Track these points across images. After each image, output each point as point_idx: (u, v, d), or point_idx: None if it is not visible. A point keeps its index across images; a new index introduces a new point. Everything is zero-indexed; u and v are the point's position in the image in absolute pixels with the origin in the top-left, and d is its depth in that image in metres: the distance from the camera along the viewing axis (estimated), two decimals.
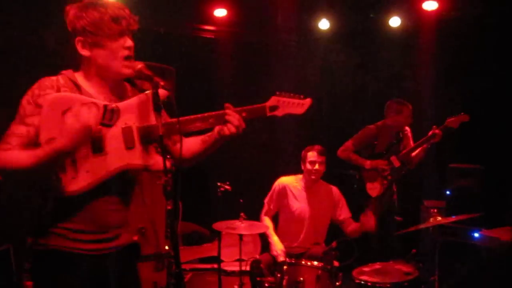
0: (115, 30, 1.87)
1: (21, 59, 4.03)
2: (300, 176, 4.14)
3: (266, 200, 4.17)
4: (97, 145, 1.84)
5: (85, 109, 1.81)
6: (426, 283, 3.86)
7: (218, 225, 3.74)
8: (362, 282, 3.42)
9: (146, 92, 1.94)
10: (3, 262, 3.56)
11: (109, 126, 1.86)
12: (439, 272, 3.82)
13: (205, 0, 5.34)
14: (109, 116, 1.85)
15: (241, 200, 3.77)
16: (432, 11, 5.13)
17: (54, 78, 1.90)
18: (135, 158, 1.88)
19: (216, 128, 2.01)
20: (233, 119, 1.97)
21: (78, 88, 1.90)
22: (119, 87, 2.01)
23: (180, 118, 1.92)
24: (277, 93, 2.09)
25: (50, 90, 1.85)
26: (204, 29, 5.71)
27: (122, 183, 1.94)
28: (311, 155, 4.00)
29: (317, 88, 6.10)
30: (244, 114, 2.01)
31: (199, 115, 1.97)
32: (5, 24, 3.95)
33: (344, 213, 4.11)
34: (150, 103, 1.90)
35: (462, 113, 4.37)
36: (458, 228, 4.31)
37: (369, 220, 3.78)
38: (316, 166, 3.97)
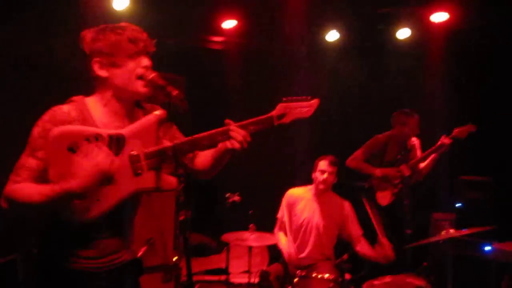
0: (133, 50, 1.88)
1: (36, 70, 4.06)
2: (310, 187, 4.11)
3: (278, 215, 4.13)
4: (106, 178, 1.82)
5: (95, 148, 1.79)
6: None
7: (227, 237, 3.71)
8: None
9: (149, 115, 1.95)
10: (10, 272, 3.54)
11: (116, 155, 1.84)
12: (450, 285, 3.76)
13: (214, 11, 5.36)
14: (115, 146, 1.85)
15: (250, 211, 3.74)
16: (441, 23, 5.11)
17: (65, 109, 1.88)
18: (145, 182, 1.88)
19: (219, 145, 2.00)
20: (237, 135, 1.95)
21: (90, 119, 1.90)
22: (133, 112, 2.01)
23: (186, 139, 1.95)
24: (284, 99, 2.06)
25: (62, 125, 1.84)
26: (213, 41, 5.73)
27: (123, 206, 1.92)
28: (322, 164, 3.97)
29: (325, 99, 6.06)
30: (250, 128, 1.98)
31: (206, 134, 1.96)
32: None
33: (354, 230, 4.03)
34: (154, 125, 1.91)
35: (469, 123, 4.35)
36: (469, 242, 4.25)
37: (386, 250, 3.68)
38: (325, 176, 3.94)
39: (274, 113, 2.04)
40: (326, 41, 5.72)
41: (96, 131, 1.84)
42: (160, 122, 1.92)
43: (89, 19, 4.45)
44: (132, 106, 2.00)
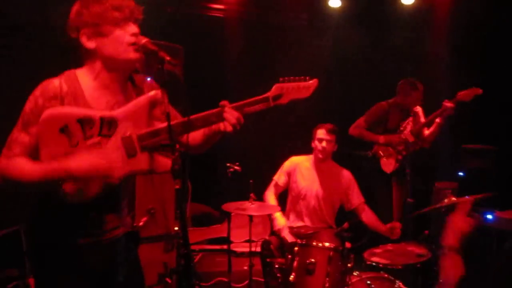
0: (118, 18, 1.84)
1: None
2: (311, 156, 4.09)
3: (275, 176, 4.12)
4: None
5: (113, 146, 1.81)
6: (439, 265, 3.81)
7: (228, 206, 3.71)
8: (374, 264, 3.39)
9: (142, 95, 1.92)
10: (14, 242, 3.57)
11: (108, 137, 1.82)
12: None
13: None
14: (107, 128, 1.82)
15: (251, 181, 3.74)
16: None
17: (57, 83, 1.85)
18: (139, 164, 1.86)
19: (214, 126, 1.99)
20: (231, 117, 1.93)
21: (80, 92, 1.87)
22: (124, 84, 1.96)
23: (179, 120, 1.92)
24: (280, 79, 2.03)
25: (55, 101, 1.81)
26: (213, 8, 5.63)
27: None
28: (320, 132, 3.94)
29: (328, 67, 6.00)
30: (245, 109, 1.96)
31: (200, 115, 1.94)
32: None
33: (356, 199, 4.03)
34: (147, 106, 1.88)
35: (474, 87, 4.27)
36: (471, 210, 4.23)
37: (397, 229, 3.74)
38: (324, 144, 3.91)
39: (270, 93, 2.01)
40: (329, 7, 5.61)
41: (88, 112, 1.81)
42: (154, 103, 1.89)
43: None
44: (123, 78, 1.95)
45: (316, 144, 3.97)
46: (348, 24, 5.73)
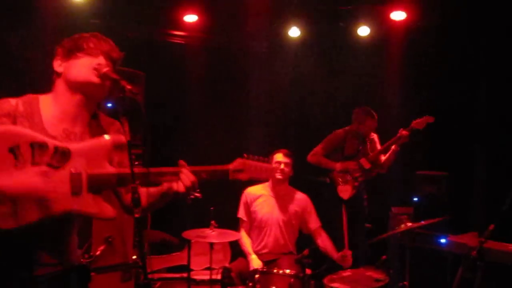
0: (92, 48, 1.87)
1: None
2: (267, 183, 4.12)
3: (238, 214, 4.13)
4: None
5: (59, 179, 1.73)
6: None
7: (188, 234, 3.67)
8: None
9: (104, 136, 1.86)
10: None
11: (57, 168, 1.76)
12: (409, 277, 3.86)
13: (176, 5, 5.30)
14: (58, 159, 1.76)
15: (211, 208, 3.72)
16: (400, 21, 5.23)
17: (13, 102, 1.81)
18: (82, 204, 1.78)
19: (166, 185, 1.93)
20: (187, 179, 1.89)
21: (38, 116, 1.82)
22: (86, 118, 1.92)
23: (135, 171, 1.80)
24: (245, 155, 2.02)
25: (6, 119, 1.77)
26: (174, 35, 5.66)
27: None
28: (278, 156, 4.00)
29: (287, 95, 6.13)
30: (203, 176, 1.94)
31: (155, 170, 1.90)
32: None
33: (313, 223, 4.08)
34: (106, 148, 1.83)
35: (427, 115, 4.48)
36: (426, 235, 4.37)
37: (346, 260, 3.78)
38: (282, 166, 3.97)
39: (231, 166, 2.00)
40: (288, 37, 5.75)
41: (43, 139, 1.75)
42: (115, 147, 1.84)
43: (46, 10, 4.30)
44: (86, 108, 1.91)
45: (274, 168, 4.01)
46: (306, 53, 5.89)
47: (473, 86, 5.14)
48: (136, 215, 1.72)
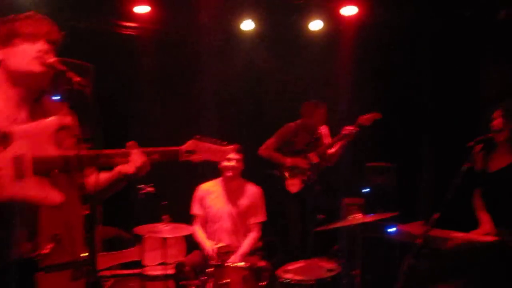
0: (31, 33, 1.78)
1: None
2: (219, 179, 4.14)
3: (192, 210, 4.12)
4: None
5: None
6: (347, 278, 4.00)
7: (141, 229, 3.62)
8: (287, 281, 3.47)
9: (50, 118, 1.80)
10: None
11: None
12: (359, 266, 3.97)
13: None
14: None
15: (164, 202, 3.68)
16: (351, 16, 5.33)
17: None
18: (24, 189, 1.71)
19: (117, 168, 1.89)
20: (137, 159, 1.86)
21: None
22: (30, 103, 1.85)
23: (82, 153, 1.74)
24: (197, 136, 1.98)
25: None
26: (125, 26, 5.52)
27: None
28: None
29: (240, 88, 6.13)
30: (154, 156, 1.90)
31: (103, 152, 1.85)
32: None
33: (255, 216, 4.11)
34: (52, 130, 1.77)
35: (374, 112, 4.60)
36: (376, 224, 4.50)
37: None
38: (233, 163, 3.98)
39: (183, 147, 1.96)
40: (242, 30, 5.74)
41: None
42: (61, 128, 1.78)
43: None
44: (29, 96, 1.85)
45: (224, 164, 4.00)
46: (260, 46, 5.90)
47: (420, 80, 5.32)
48: (86, 212, 1.67)
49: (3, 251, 1.81)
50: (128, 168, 1.86)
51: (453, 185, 3.00)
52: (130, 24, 5.53)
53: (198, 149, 1.96)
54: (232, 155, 3.98)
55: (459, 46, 4.93)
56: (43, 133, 1.77)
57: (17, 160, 1.70)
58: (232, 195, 4.08)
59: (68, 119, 1.78)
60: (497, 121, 3.46)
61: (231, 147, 2.02)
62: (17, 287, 1.88)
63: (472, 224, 3.67)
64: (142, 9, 5.27)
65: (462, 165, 3.11)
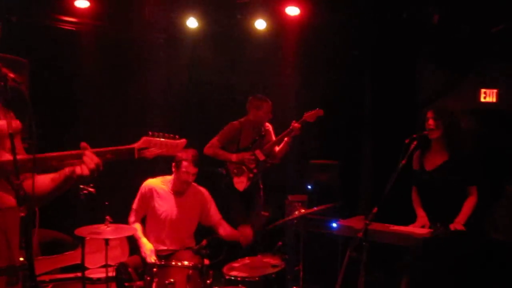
0: None
1: None
2: (168, 178, 4.03)
3: (133, 205, 4.00)
4: None
5: None
6: (292, 273, 4.08)
7: (82, 231, 3.51)
8: (233, 278, 3.49)
9: None
10: None
11: None
12: (303, 262, 4.06)
13: None
14: None
15: (106, 203, 3.59)
16: (295, 16, 5.42)
17: None
18: None
19: (68, 168, 1.85)
20: (90, 161, 1.84)
21: None
22: None
23: (31, 156, 1.74)
24: (150, 133, 2.01)
25: None
26: (64, 20, 5.32)
27: None
28: (186, 165, 3.84)
29: (184, 86, 6.08)
30: (108, 156, 1.90)
31: (55, 154, 1.82)
32: None
33: (214, 215, 4.10)
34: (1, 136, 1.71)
35: (317, 108, 4.71)
36: (319, 220, 4.62)
37: (247, 232, 3.90)
38: (190, 177, 3.89)
39: (136, 145, 1.98)
40: (186, 28, 5.69)
41: None
42: (12, 133, 1.70)
43: None
44: None
45: (182, 175, 3.87)
46: (204, 44, 5.88)
47: (361, 80, 5.50)
48: (22, 214, 1.61)
49: None
50: (81, 170, 1.83)
51: (391, 180, 3.15)
52: (70, 19, 5.35)
53: (151, 145, 1.99)
54: (190, 169, 3.84)
55: (397, 47, 5.13)
56: None
57: None
58: (180, 197, 4.00)
59: (17, 125, 1.72)
60: (430, 121, 3.66)
61: (182, 140, 2.08)
62: None
63: (410, 218, 3.86)
64: (82, 4, 5.11)
65: (399, 162, 3.27)
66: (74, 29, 5.40)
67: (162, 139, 2.02)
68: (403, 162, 3.28)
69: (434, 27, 4.75)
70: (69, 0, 5.09)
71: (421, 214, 3.82)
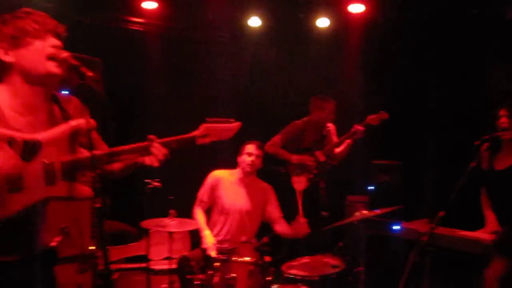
0: (39, 29, 1.78)
1: None
2: (235, 170, 4.12)
3: (199, 193, 4.10)
4: (14, 184, 1.70)
5: (33, 171, 1.72)
6: (353, 275, 4.02)
7: (147, 223, 3.64)
8: (292, 276, 3.49)
9: (69, 121, 1.85)
10: None
11: (28, 161, 1.73)
12: (364, 263, 3.99)
13: None
14: (29, 152, 1.73)
15: (171, 197, 3.70)
16: (358, 14, 5.33)
17: None
18: (57, 191, 1.80)
19: (138, 159, 1.99)
20: (158, 152, 1.95)
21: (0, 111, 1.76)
22: (47, 103, 1.88)
23: (105, 151, 1.90)
24: (207, 119, 2.10)
25: None
26: (132, 21, 5.54)
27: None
28: (249, 147, 4.01)
29: (246, 84, 6.13)
30: (172, 146, 2.00)
31: (126, 147, 1.95)
32: None
33: (275, 212, 4.13)
34: (74, 134, 1.83)
35: (381, 111, 4.60)
36: (381, 222, 4.52)
37: (302, 227, 3.86)
38: (252, 158, 3.99)
39: (197, 133, 2.08)
40: (248, 27, 5.75)
41: (11, 134, 1.71)
42: (81, 130, 1.84)
43: None
44: (45, 95, 1.86)
45: (244, 158, 4.01)
46: (267, 43, 5.91)
47: (427, 78, 5.32)
48: (97, 205, 1.70)
49: (29, 244, 1.85)
50: (151, 160, 1.95)
51: (459, 183, 3.02)
52: (138, 20, 5.55)
53: (210, 131, 2.09)
54: (253, 150, 3.99)
55: (466, 44, 4.92)
56: (64, 136, 1.82)
57: (48, 168, 1.76)
58: (247, 190, 4.07)
59: (82, 122, 1.81)
60: (503, 120, 3.47)
61: (238, 123, 2.18)
62: (40, 279, 1.91)
63: (478, 222, 3.69)
64: (149, 5, 5.29)
65: (468, 164, 3.13)
66: (142, 29, 5.60)
67: (219, 124, 2.11)
68: (473, 164, 3.13)
69: (507, 23, 4.51)
70: (137, 1, 5.29)
71: (490, 218, 3.64)
